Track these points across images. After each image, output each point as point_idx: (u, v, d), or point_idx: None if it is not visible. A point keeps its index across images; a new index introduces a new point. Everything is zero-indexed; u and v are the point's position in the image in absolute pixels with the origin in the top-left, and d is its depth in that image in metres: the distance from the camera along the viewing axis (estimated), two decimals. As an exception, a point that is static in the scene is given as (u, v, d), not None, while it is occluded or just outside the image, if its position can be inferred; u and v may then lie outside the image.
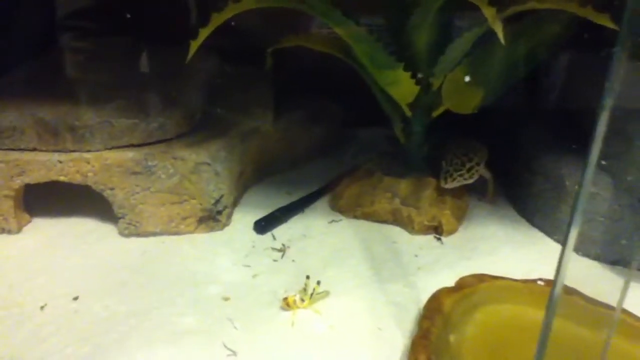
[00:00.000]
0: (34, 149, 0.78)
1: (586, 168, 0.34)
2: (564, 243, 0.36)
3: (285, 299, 0.67)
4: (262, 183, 0.99)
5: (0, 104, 0.79)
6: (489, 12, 0.60)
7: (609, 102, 0.32)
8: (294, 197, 0.93)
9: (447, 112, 0.83)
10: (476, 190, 0.93)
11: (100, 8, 1.11)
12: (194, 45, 0.67)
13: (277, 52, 0.85)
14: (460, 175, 0.82)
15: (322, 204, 0.94)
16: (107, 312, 0.67)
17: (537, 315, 0.64)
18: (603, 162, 0.70)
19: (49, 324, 0.65)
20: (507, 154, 0.96)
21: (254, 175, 0.96)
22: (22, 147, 0.78)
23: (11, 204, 0.80)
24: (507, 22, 0.68)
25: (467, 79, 0.77)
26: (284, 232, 0.85)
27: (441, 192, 0.85)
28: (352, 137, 1.15)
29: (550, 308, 0.38)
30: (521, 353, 0.61)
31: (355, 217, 0.89)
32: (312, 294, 0.68)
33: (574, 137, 0.89)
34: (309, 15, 0.98)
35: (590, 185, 0.35)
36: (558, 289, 0.37)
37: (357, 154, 1.07)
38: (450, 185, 0.82)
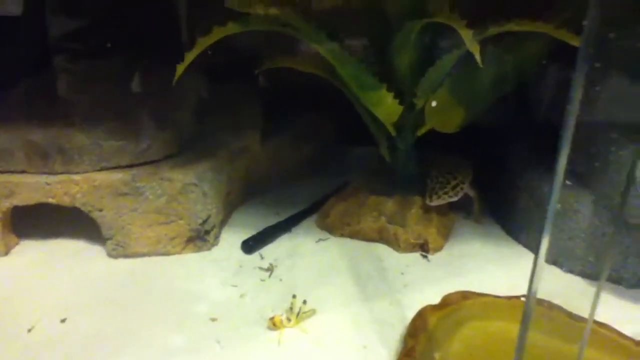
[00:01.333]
0: (23, 171, 0.79)
1: (554, 183, 0.35)
2: (535, 253, 0.37)
3: (272, 318, 0.67)
4: (250, 202, 1.00)
5: (-10, 127, 0.80)
6: (466, 35, 0.62)
7: (571, 120, 0.33)
8: (282, 217, 0.93)
9: (432, 131, 0.85)
10: (462, 208, 0.95)
11: (92, 29, 1.12)
12: (180, 69, 0.68)
13: (267, 71, 0.86)
14: (445, 193, 0.84)
15: (309, 222, 0.95)
16: (95, 332, 0.67)
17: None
18: (568, 183, 0.72)
19: (37, 344, 0.65)
20: (492, 171, 0.98)
21: (242, 194, 0.97)
22: (10, 169, 0.79)
23: (-1, 226, 0.81)
24: (487, 42, 0.70)
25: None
26: (271, 251, 0.86)
27: (427, 210, 0.87)
28: (341, 155, 1.16)
29: (525, 322, 0.39)
30: (505, 369, 0.62)
31: (343, 235, 0.90)
32: (298, 313, 0.69)
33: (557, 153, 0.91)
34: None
35: (557, 200, 0.36)
36: (531, 302, 0.38)
37: (350, 173, 1.08)
38: (435, 202, 0.84)
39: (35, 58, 1.08)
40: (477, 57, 0.61)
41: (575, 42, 0.64)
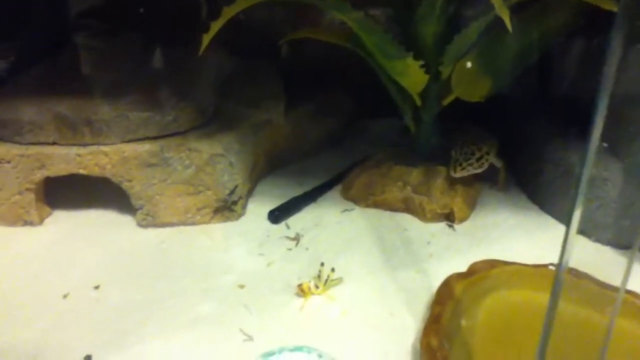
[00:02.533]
0: (54, 143, 0.81)
1: (587, 153, 0.35)
2: (567, 225, 0.37)
3: (300, 285, 0.68)
4: (274, 174, 1.00)
5: (20, 100, 0.81)
6: (495, 0, 0.60)
7: (607, 87, 0.32)
8: (306, 188, 0.94)
9: (457, 102, 0.84)
10: (487, 178, 0.94)
11: (112, 6, 1.13)
12: (206, 39, 0.68)
13: (288, 44, 0.86)
14: (470, 165, 0.83)
15: (333, 193, 0.95)
16: (126, 301, 0.69)
17: (548, 300, 0.66)
18: (605, 145, 0.71)
19: (70, 311, 0.67)
20: (517, 142, 0.97)
21: (267, 166, 0.98)
22: (42, 141, 0.81)
23: (32, 197, 0.82)
24: (515, 10, 0.69)
25: (469, 65, 0.77)
26: (297, 221, 0.87)
27: (452, 180, 0.86)
28: (362, 128, 1.16)
29: (556, 289, 0.39)
30: (532, 337, 0.61)
31: (367, 206, 0.90)
32: (326, 281, 0.70)
33: (583, 124, 0.90)
34: (317, 8, 0.99)
35: (592, 168, 0.35)
36: (562, 271, 0.38)
37: (373, 145, 1.07)
38: (459, 174, 0.83)
39: (56, 36, 1.10)
40: (507, 22, 0.60)
41: (607, 5, 0.62)
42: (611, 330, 0.46)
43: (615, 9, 0.62)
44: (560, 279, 0.38)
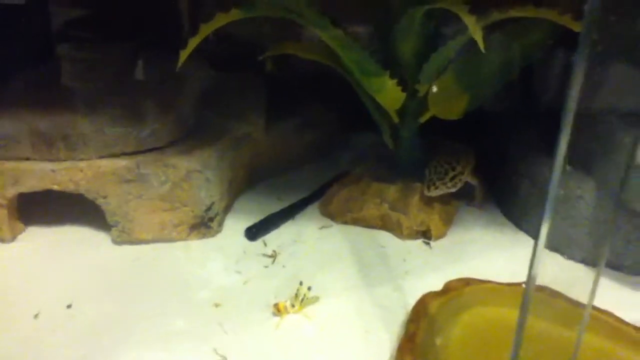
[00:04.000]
0: (27, 158, 0.80)
1: (554, 168, 0.35)
2: (535, 239, 0.38)
3: (276, 304, 0.68)
4: (253, 189, 1.00)
5: (-5, 114, 0.81)
6: (469, 21, 0.61)
7: (572, 105, 0.33)
8: (285, 203, 0.94)
9: (435, 117, 0.84)
10: (465, 195, 0.95)
11: (95, 17, 1.12)
12: (183, 55, 0.69)
13: (271, 59, 0.86)
14: (444, 184, 0.84)
15: (312, 209, 0.95)
16: (100, 317, 0.68)
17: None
18: (568, 167, 0.72)
19: (42, 330, 0.66)
20: (495, 157, 0.98)
21: (246, 180, 0.98)
22: (16, 156, 0.79)
23: (5, 213, 0.81)
24: (491, 28, 0.70)
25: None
26: (275, 238, 0.87)
27: (429, 197, 0.87)
28: (344, 142, 1.16)
29: (524, 306, 0.39)
30: (505, 354, 0.62)
31: (345, 222, 0.90)
32: (302, 300, 0.69)
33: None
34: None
35: (558, 185, 0.36)
36: (531, 288, 0.39)
37: (353, 160, 1.07)
38: (433, 193, 0.84)
39: (39, 47, 1.09)
40: (480, 43, 0.61)
41: (576, 27, 0.64)
42: (578, 346, 0.47)
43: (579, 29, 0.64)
44: (529, 293, 0.39)
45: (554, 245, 0.82)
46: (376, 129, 0.92)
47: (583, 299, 0.65)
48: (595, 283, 0.43)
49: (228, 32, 0.91)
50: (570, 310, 0.65)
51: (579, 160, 0.79)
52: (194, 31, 0.69)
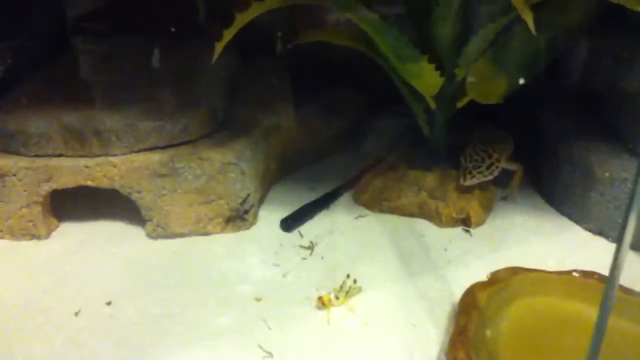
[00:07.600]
0: (61, 155, 0.79)
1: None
2: (618, 243, 0.36)
3: (320, 298, 0.67)
4: (285, 179, 0.98)
5: (26, 111, 0.80)
6: (517, 1, 0.59)
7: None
8: (318, 192, 0.92)
9: (470, 102, 0.82)
10: (505, 181, 0.92)
11: (111, 8, 1.11)
12: (219, 47, 0.67)
13: (296, 45, 0.84)
14: (480, 172, 0.81)
15: (345, 198, 0.93)
16: (141, 315, 0.68)
17: (573, 307, 0.64)
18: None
19: (85, 329, 0.65)
20: (532, 142, 0.95)
21: (278, 171, 0.96)
22: (49, 153, 0.79)
23: (39, 210, 0.80)
24: (533, 8, 0.67)
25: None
26: (310, 229, 0.85)
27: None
28: (374, 129, 1.13)
29: (604, 309, 0.37)
30: (558, 346, 0.61)
31: (381, 211, 0.88)
32: (347, 291, 0.68)
33: (598, 122, 0.88)
34: (322, 6, 0.97)
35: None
36: (612, 291, 0.37)
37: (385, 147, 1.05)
38: (469, 182, 0.81)
39: (57, 38, 1.07)
40: (531, 24, 0.59)
41: (630, 3, 0.61)
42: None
43: (634, 5, 0.61)
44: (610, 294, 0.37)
45: (597, 228, 0.80)
46: (406, 114, 0.89)
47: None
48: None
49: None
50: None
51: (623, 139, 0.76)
52: (211, 20, 0.67)
